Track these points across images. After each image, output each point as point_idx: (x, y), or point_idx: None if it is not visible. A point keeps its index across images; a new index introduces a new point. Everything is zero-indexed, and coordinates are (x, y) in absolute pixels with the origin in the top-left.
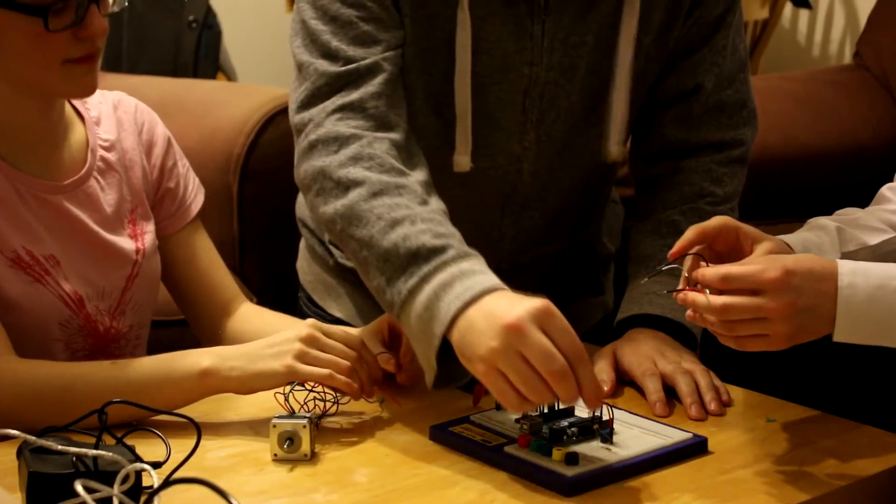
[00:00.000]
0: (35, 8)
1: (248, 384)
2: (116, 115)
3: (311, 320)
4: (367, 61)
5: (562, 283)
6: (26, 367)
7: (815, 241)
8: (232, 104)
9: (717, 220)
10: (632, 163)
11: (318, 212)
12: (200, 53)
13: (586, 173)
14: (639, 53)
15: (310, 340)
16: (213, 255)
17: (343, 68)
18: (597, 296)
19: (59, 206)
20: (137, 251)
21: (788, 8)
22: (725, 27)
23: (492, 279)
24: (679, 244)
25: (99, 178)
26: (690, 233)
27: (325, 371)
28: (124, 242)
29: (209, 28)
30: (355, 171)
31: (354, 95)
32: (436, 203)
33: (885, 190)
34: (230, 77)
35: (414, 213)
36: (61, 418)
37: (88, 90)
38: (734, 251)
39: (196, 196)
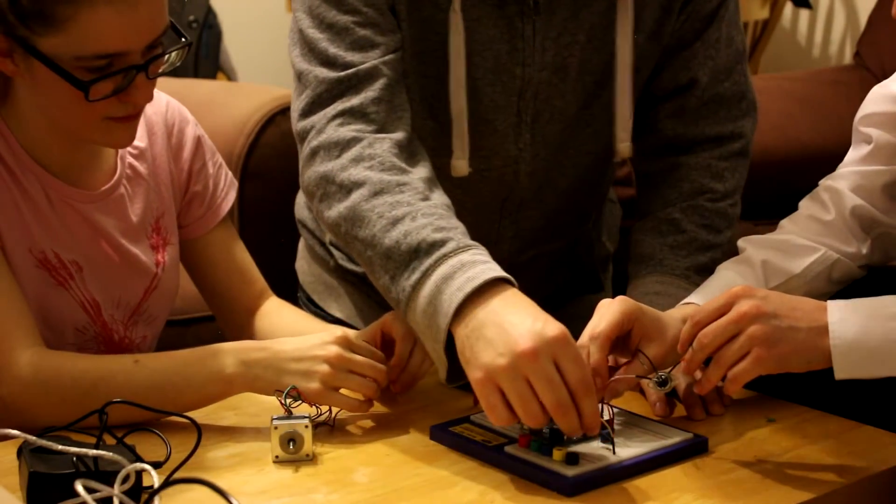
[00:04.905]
0: (77, 80)
1: (272, 394)
2: (146, 115)
3: (339, 332)
4: (365, 66)
5: (560, 281)
6: (52, 360)
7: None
8: (232, 104)
9: (617, 314)
10: (633, 158)
11: (324, 217)
12: (200, 53)
13: (583, 172)
14: (633, 51)
15: (339, 362)
16: (243, 252)
17: (342, 73)
18: (596, 292)
19: (86, 214)
20: (158, 264)
21: (788, 8)
22: (718, 20)
23: (493, 269)
24: (600, 364)
25: (127, 185)
26: (599, 354)
27: (351, 401)
28: (146, 254)
29: (209, 28)
30: (356, 173)
31: (355, 101)
32: (439, 198)
33: (821, 191)
34: (230, 77)
35: (415, 210)
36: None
37: (124, 143)
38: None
39: (227, 194)
